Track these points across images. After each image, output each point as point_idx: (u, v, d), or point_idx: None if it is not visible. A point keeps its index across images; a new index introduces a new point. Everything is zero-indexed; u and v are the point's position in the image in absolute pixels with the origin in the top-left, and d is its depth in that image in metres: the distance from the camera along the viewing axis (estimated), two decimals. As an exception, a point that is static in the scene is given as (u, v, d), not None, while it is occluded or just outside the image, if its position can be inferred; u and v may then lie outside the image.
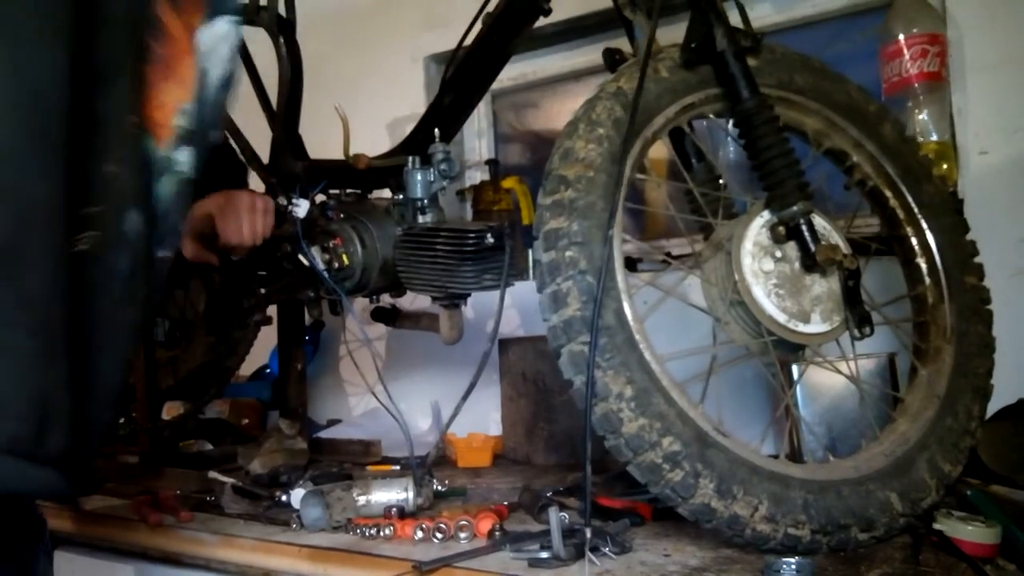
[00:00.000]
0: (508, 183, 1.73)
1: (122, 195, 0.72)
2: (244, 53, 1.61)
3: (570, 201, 1.00)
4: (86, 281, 0.68)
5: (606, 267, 0.97)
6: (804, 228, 1.06)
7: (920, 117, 1.55)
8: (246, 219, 1.36)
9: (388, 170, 1.54)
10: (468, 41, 1.54)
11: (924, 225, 1.20)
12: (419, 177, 1.45)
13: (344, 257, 1.46)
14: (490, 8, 1.50)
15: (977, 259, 1.22)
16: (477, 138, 2.41)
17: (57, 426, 0.66)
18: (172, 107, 0.76)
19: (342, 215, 1.51)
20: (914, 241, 1.21)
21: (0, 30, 0.63)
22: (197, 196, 1.23)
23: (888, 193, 1.22)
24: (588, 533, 0.94)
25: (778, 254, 1.07)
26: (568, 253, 0.98)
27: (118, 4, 0.71)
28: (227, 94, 0.80)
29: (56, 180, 0.65)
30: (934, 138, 1.54)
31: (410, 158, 1.46)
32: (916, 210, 1.21)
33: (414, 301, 1.82)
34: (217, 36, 0.78)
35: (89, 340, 0.69)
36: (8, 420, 0.62)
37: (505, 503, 1.22)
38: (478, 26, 1.51)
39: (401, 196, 1.48)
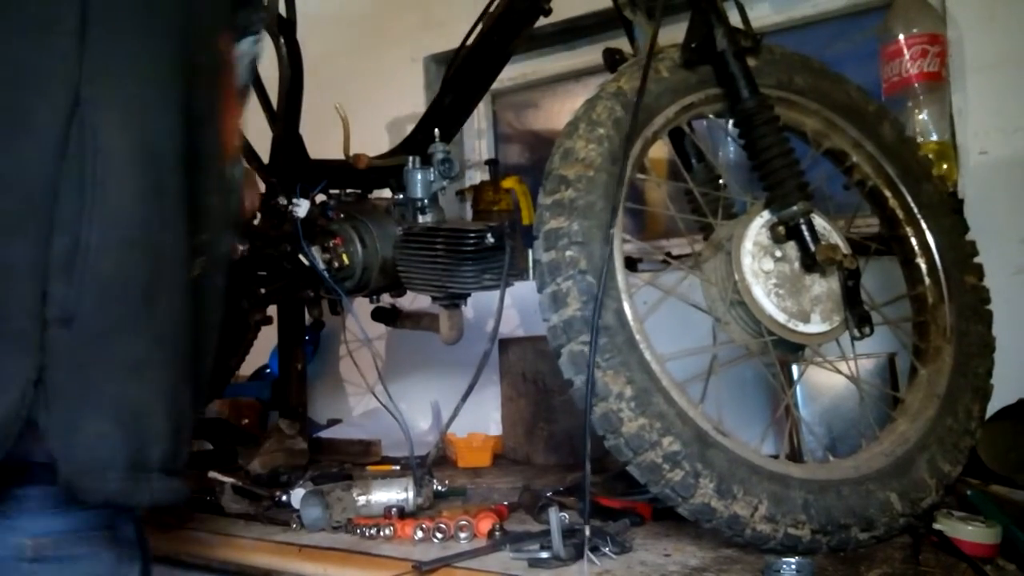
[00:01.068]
0: (508, 183, 1.73)
1: (220, 221, 0.81)
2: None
3: (570, 201, 1.00)
4: (197, 302, 0.76)
5: (606, 267, 0.97)
6: (804, 228, 1.07)
7: (920, 117, 1.55)
8: None
9: (388, 170, 1.54)
10: (469, 41, 1.54)
11: (924, 225, 1.20)
12: (419, 177, 1.45)
13: (344, 257, 1.46)
14: (490, 8, 1.50)
15: (977, 259, 1.22)
16: (477, 138, 2.41)
17: (185, 439, 0.76)
18: (236, 130, 0.86)
19: (342, 215, 1.51)
20: (914, 241, 1.21)
21: (125, 101, 0.70)
22: None
23: (887, 193, 1.22)
24: (587, 531, 0.94)
25: (778, 254, 1.07)
26: (568, 253, 0.98)
27: (206, 53, 0.78)
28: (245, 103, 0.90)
29: (177, 225, 0.73)
30: (934, 138, 1.54)
31: (410, 158, 1.46)
32: (916, 210, 1.21)
33: (414, 301, 1.82)
34: (241, 51, 0.88)
35: (199, 353, 0.78)
36: (160, 442, 0.72)
37: (505, 503, 1.22)
38: (479, 26, 1.52)
39: (401, 196, 1.48)
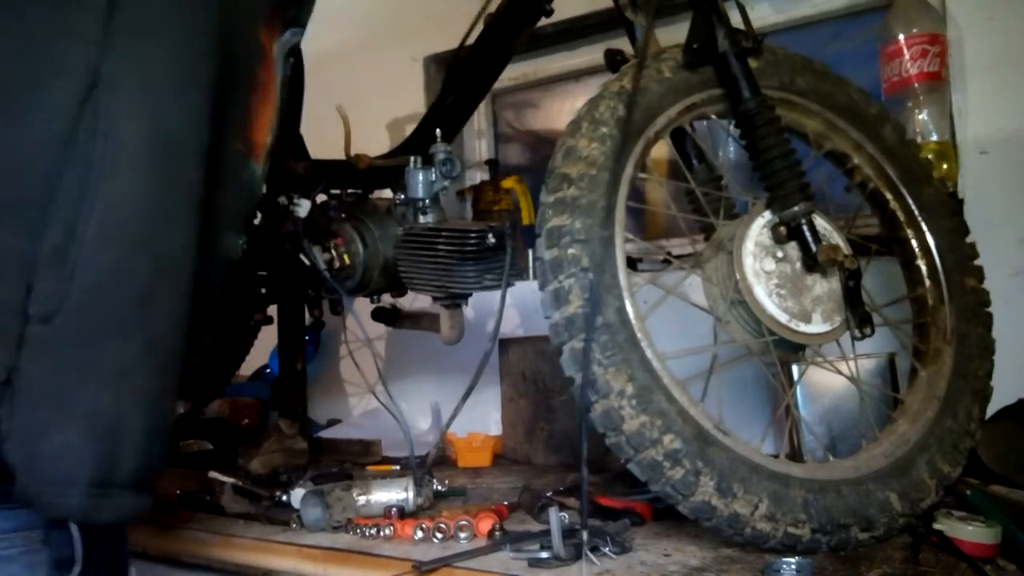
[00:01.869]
0: (508, 183, 1.73)
1: (226, 220, 0.76)
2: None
3: (573, 199, 1.00)
4: (195, 303, 0.71)
5: (608, 265, 0.97)
6: (805, 228, 1.07)
7: (920, 117, 1.55)
8: None
9: (389, 170, 1.54)
10: (470, 41, 1.54)
11: (924, 227, 1.21)
12: (420, 177, 1.45)
13: (345, 257, 1.46)
14: (491, 8, 1.50)
15: (977, 261, 1.22)
16: (477, 138, 2.41)
17: (161, 451, 0.70)
18: (268, 127, 0.81)
19: (343, 215, 1.51)
20: (914, 243, 1.21)
21: (146, 88, 0.65)
22: None
23: (888, 195, 1.22)
24: (585, 536, 0.94)
25: (779, 254, 1.07)
26: (570, 251, 0.98)
27: (237, 43, 0.73)
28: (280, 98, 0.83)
29: (188, 224, 0.68)
30: (934, 138, 1.54)
31: (411, 158, 1.46)
32: (916, 212, 1.21)
33: (414, 301, 1.82)
34: (282, 45, 0.82)
35: (187, 356, 0.73)
36: (133, 457, 0.66)
37: (505, 503, 1.22)
38: (480, 26, 1.52)
39: (402, 196, 1.48)
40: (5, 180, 0.61)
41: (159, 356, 0.67)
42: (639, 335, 0.98)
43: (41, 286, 0.61)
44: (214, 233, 0.74)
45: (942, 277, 1.18)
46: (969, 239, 1.23)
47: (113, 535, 0.76)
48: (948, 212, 1.23)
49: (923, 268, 1.20)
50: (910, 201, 1.21)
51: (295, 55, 1.49)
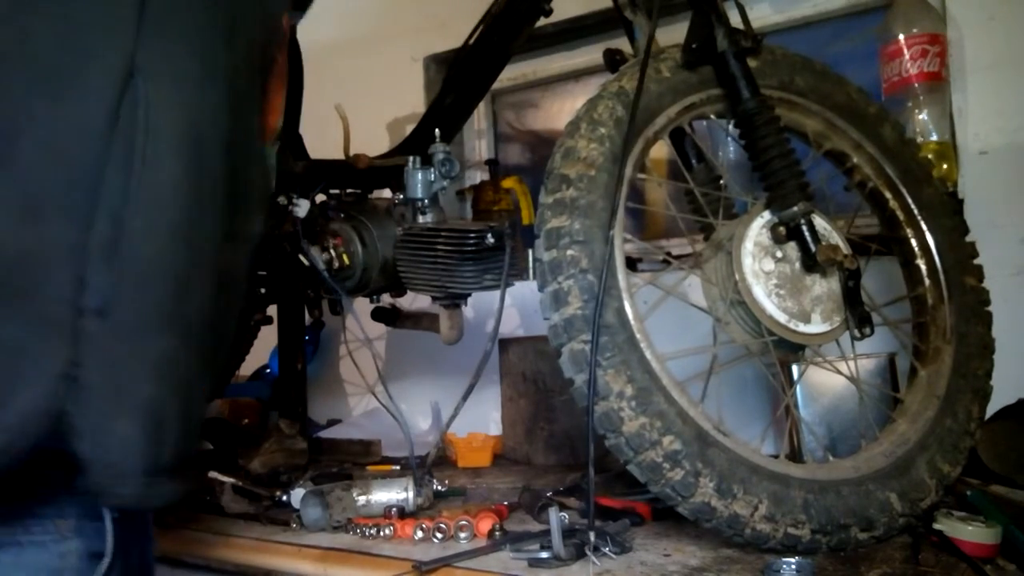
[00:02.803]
0: (508, 183, 1.73)
1: (255, 203, 0.76)
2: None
3: (572, 200, 1.00)
4: (223, 291, 0.71)
5: (607, 266, 0.97)
6: (804, 228, 1.07)
7: (920, 117, 1.55)
8: None
9: (388, 170, 1.54)
10: (470, 41, 1.54)
11: (924, 227, 1.21)
12: (420, 177, 1.45)
13: (345, 257, 1.46)
14: (492, 8, 1.50)
15: (977, 260, 1.22)
16: (477, 138, 2.41)
17: (195, 437, 0.72)
18: (280, 109, 0.81)
19: (342, 215, 1.51)
20: (914, 243, 1.21)
21: (178, 76, 0.65)
22: None
23: (888, 195, 1.22)
24: (592, 536, 0.94)
25: (779, 254, 1.07)
26: (569, 252, 0.98)
27: (258, 28, 0.73)
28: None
29: (215, 210, 0.68)
30: (934, 138, 1.54)
31: (411, 158, 1.45)
32: (916, 212, 1.21)
33: (414, 301, 1.82)
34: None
35: (219, 345, 0.74)
36: (174, 444, 0.67)
37: (505, 503, 1.22)
38: (479, 26, 1.51)
39: (402, 196, 1.48)
40: (53, 167, 0.61)
41: (193, 346, 0.68)
42: (638, 336, 0.98)
43: (94, 279, 0.61)
44: (243, 218, 0.74)
45: (942, 276, 1.18)
46: (969, 238, 1.23)
47: (141, 531, 0.77)
48: (948, 211, 1.23)
49: (923, 267, 1.20)
50: (909, 200, 1.21)
51: (294, 53, 1.48)
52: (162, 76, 0.64)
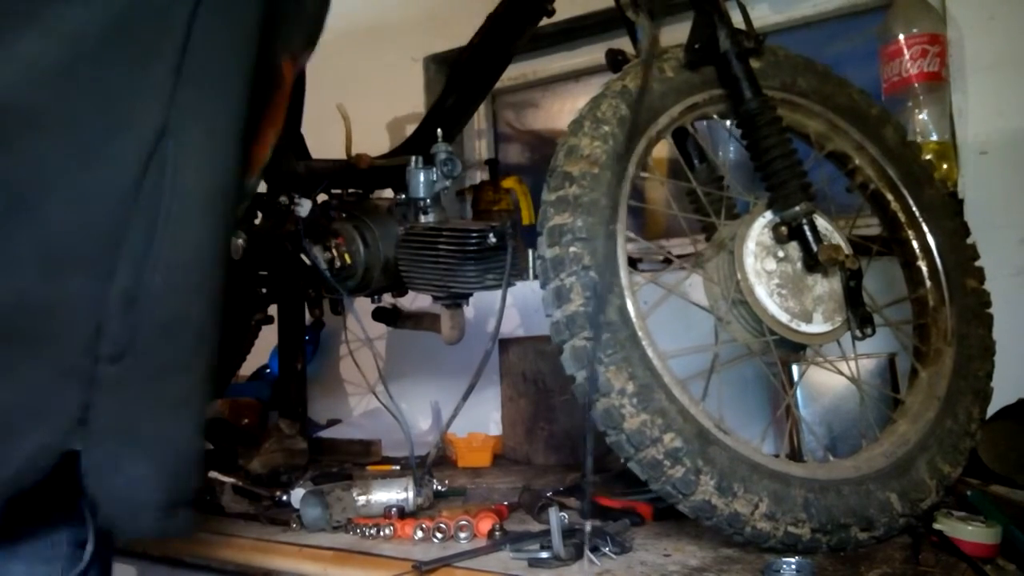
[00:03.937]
0: (508, 183, 1.73)
1: (232, 231, 0.79)
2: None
3: (574, 197, 1.00)
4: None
5: (609, 263, 0.97)
6: (806, 228, 1.07)
7: (920, 117, 1.55)
8: None
9: (390, 170, 1.54)
10: (473, 42, 1.54)
11: (925, 228, 1.21)
12: (421, 177, 1.45)
13: (346, 256, 1.46)
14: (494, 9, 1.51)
15: (978, 262, 1.22)
16: (477, 138, 2.41)
17: (201, 460, 0.73)
18: (271, 143, 0.83)
19: (344, 215, 1.51)
20: (915, 244, 1.21)
21: (206, 141, 0.66)
22: None
23: (889, 196, 1.22)
24: (588, 527, 0.94)
25: (780, 254, 1.07)
26: (572, 249, 0.98)
27: (263, 76, 0.74)
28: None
29: (225, 261, 0.70)
30: (934, 138, 1.54)
31: (412, 158, 1.45)
32: (917, 213, 1.21)
33: (415, 301, 1.82)
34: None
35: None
36: (192, 476, 0.70)
37: (505, 503, 1.22)
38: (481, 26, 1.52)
39: (403, 196, 1.48)
40: (79, 231, 0.62)
41: (210, 384, 0.71)
42: (640, 334, 0.98)
43: (111, 328, 0.63)
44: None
45: (943, 278, 1.18)
46: (969, 240, 1.23)
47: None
48: (949, 213, 1.23)
49: (924, 269, 1.20)
50: (911, 202, 1.21)
51: None
52: (194, 136, 0.65)
